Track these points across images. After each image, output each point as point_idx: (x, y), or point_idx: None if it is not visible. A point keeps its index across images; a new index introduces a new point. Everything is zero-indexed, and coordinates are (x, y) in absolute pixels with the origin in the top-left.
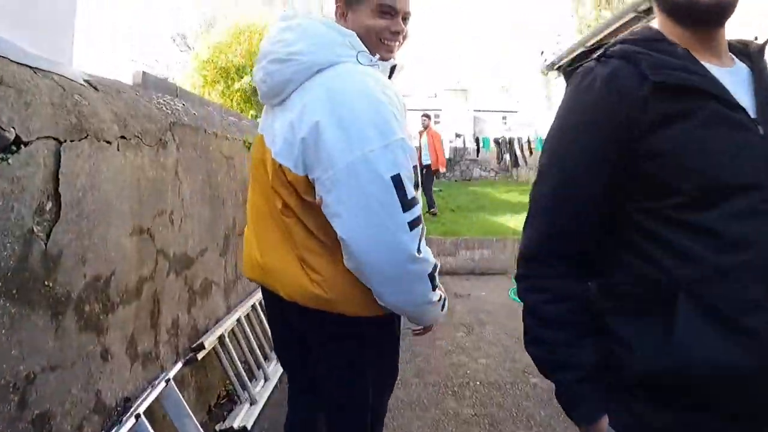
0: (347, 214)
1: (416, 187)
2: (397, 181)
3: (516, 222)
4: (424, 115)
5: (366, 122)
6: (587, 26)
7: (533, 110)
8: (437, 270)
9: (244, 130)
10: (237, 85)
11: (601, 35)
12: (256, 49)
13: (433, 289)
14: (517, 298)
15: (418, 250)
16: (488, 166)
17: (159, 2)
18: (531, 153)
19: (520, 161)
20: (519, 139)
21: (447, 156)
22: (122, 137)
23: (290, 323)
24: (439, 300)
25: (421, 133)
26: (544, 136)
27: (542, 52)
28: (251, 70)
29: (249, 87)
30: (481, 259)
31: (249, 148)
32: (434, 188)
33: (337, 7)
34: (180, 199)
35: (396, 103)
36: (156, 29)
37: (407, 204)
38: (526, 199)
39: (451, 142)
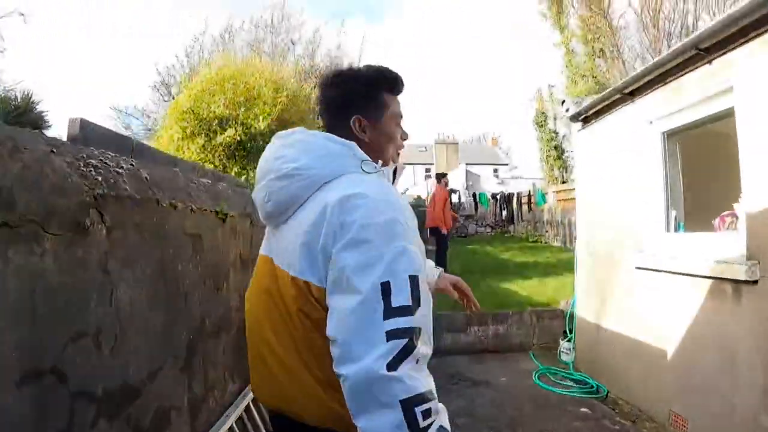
0: (336, 314)
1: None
2: (386, 288)
3: (528, 289)
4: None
5: (370, 229)
6: (581, 76)
7: (525, 162)
8: (426, 402)
9: (220, 195)
10: (219, 138)
11: (647, 78)
12: (242, 99)
13: (414, 428)
14: (545, 385)
15: (392, 366)
16: (484, 221)
17: (143, 47)
18: (530, 209)
19: (516, 218)
20: (518, 195)
21: None
22: (3, 225)
23: None
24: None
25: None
26: (544, 190)
27: (563, 102)
28: (235, 121)
29: (232, 140)
30: (495, 335)
31: (225, 220)
32: (430, 247)
33: (356, 119)
34: (113, 308)
35: (400, 207)
36: (140, 76)
37: (391, 312)
38: (529, 259)
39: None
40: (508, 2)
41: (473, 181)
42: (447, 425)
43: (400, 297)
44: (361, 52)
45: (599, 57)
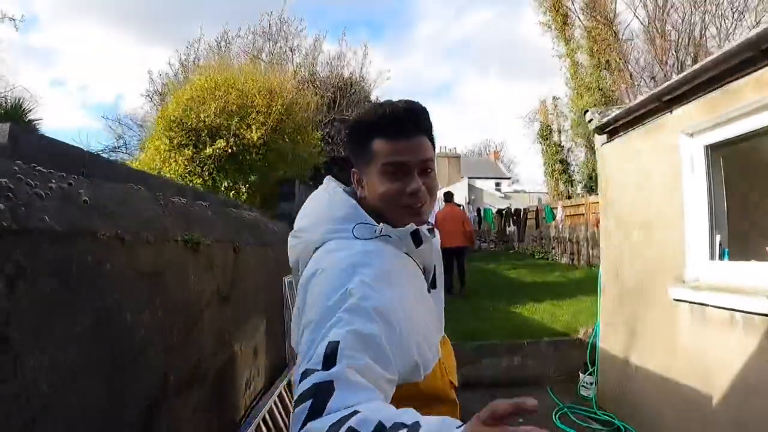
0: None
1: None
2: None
3: (541, 313)
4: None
5: (316, 305)
6: (587, 88)
7: (527, 175)
8: None
9: (193, 219)
10: (209, 150)
11: (689, 85)
12: (234, 107)
13: None
14: (568, 428)
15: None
16: (487, 237)
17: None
18: (538, 225)
19: (520, 234)
20: (525, 210)
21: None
22: None
23: None
24: None
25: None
26: (552, 205)
27: (586, 111)
28: (227, 131)
29: (223, 152)
30: (508, 367)
31: (197, 250)
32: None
33: (353, 173)
34: (17, 384)
35: (366, 289)
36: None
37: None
38: (538, 278)
39: None
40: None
41: (476, 195)
42: None
43: (312, 361)
44: (363, 63)
45: (605, 69)
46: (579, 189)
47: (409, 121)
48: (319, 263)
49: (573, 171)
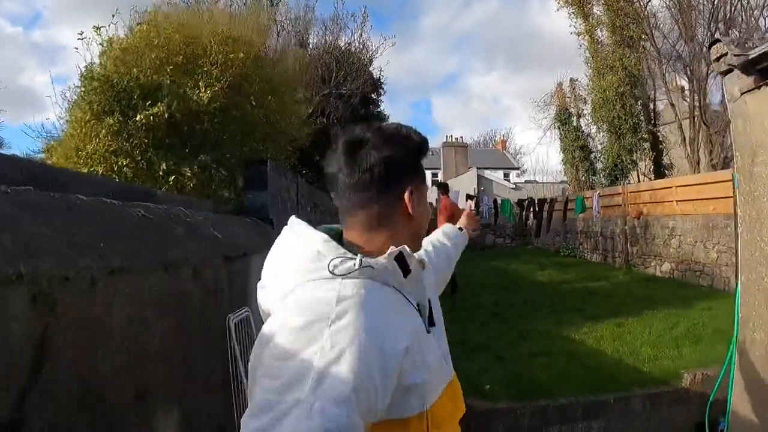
0: None
1: None
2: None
3: (609, 340)
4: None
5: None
6: (609, 67)
7: (537, 165)
8: None
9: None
10: (140, 117)
11: None
12: (180, 59)
13: None
14: None
15: None
16: (503, 231)
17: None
18: (565, 218)
19: (544, 228)
20: (551, 200)
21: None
22: None
23: None
24: None
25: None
26: (585, 196)
27: (714, 42)
28: (169, 92)
29: (161, 119)
30: None
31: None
32: None
33: (407, 187)
34: None
35: (343, 338)
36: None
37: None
38: (577, 282)
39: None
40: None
41: (485, 186)
42: None
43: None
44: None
45: (628, 46)
46: (602, 178)
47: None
48: (287, 313)
49: (595, 158)
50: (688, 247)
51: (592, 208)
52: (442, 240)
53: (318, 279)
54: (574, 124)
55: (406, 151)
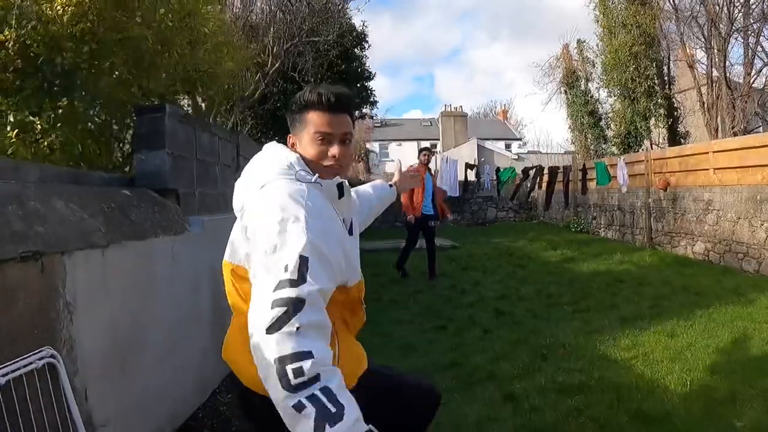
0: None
1: None
2: (279, 264)
3: (683, 365)
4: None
5: (265, 230)
6: (622, 25)
7: (538, 137)
8: (299, 361)
9: None
10: None
11: None
12: None
13: (287, 387)
14: None
15: (270, 329)
16: (505, 204)
17: None
18: (585, 190)
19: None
20: (565, 169)
21: (457, 193)
22: None
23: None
24: (302, 411)
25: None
26: (607, 162)
27: None
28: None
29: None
30: None
31: None
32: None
33: (288, 137)
34: None
35: (315, 216)
36: None
37: (277, 284)
38: (599, 265)
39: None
40: None
41: (486, 156)
42: (334, 385)
43: (287, 273)
44: None
45: (641, 3)
46: (612, 147)
47: (337, 101)
48: (270, 192)
49: (605, 125)
50: (728, 225)
51: (616, 177)
52: (368, 189)
53: (289, 179)
54: (583, 87)
55: (292, 110)
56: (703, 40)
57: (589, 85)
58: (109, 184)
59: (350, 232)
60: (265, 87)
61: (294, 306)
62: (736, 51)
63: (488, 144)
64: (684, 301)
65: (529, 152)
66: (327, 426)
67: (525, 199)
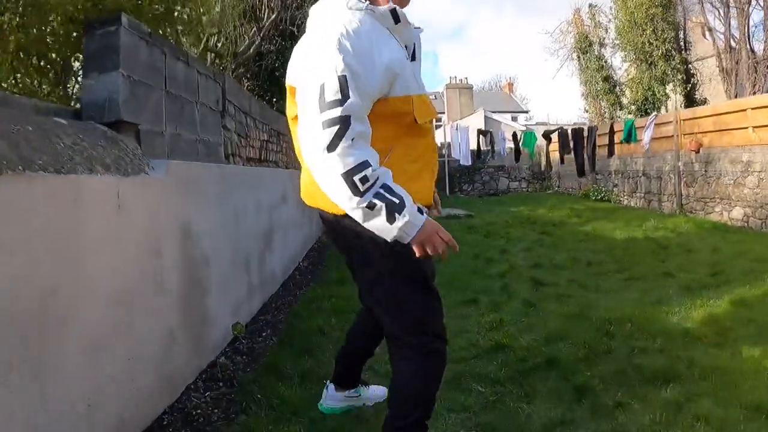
0: (299, 107)
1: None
2: (322, 89)
3: None
4: None
5: (315, 49)
6: None
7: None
8: (362, 170)
9: None
10: None
11: None
12: None
13: (357, 194)
14: None
15: (330, 148)
16: (518, 174)
17: None
18: (611, 153)
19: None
20: (591, 130)
21: (470, 162)
22: None
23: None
24: (374, 208)
25: None
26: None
27: None
28: None
29: None
30: None
31: None
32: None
33: None
34: None
35: (353, 39)
36: None
37: (324, 106)
38: (636, 232)
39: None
40: None
41: (493, 127)
42: (390, 182)
43: (330, 94)
44: None
45: None
46: (628, 114)
47: None
48: (321, 22)
49: (620, 91)
50: None
51: (641, 140)
52: None
53: (341, 9)
54: (596, 52)
55: None
56: (722, 3)
57: (603, 50)
58: (44, 115)
59: (413, 58)
60: (260, 42)
61: (343, 123)
62: (756, 15)
63: (495, 116)
64: (744, 268)
65: (537, 123)
66: (396, 214)
67: (543, 167)
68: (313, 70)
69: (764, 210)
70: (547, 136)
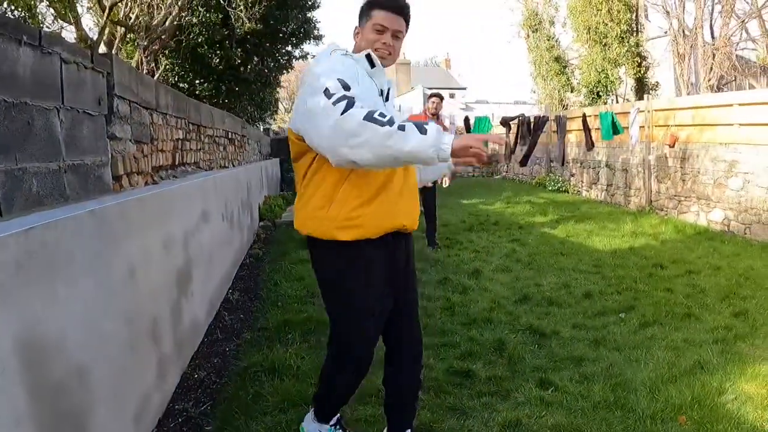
0: (308, 128)
1: None
2: (327, 90)
3: None
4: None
5: (311, 77)
6: None
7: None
8: (377, 112)
9: None
10: None
11: None
12: None
13: (384, 124)
14: None
15: (343, 113)
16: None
17: None
18: (591, 145)
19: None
20: (560, 118)
21: None
22: None
23: None
24: (405, 130)
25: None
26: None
27: None
28: None
29: None
30: None
31: None
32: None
33: (355, 27)
34: None
35: (341, 65)
36: None
37: (331, 96)
38: (603, 236)
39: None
40: None
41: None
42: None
43: (333, 90)
44: None
45: None
46: (580, 97)
47: (398, 4)
48: (312, 68)
49: (571, 72)
50: (759, 191)
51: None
52: None
53: (327, 53)
54: (547, 31)
55: (363, 8)
56: None
57: (553, 29)
58: None
59: (386, 99)
60: (179, 14)
61: (350, 100)
62: None
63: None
64: (765, 303)
65: (477, 101)
66: (425, 127)
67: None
68: (313, 85)
69: (749, 215)
70: (506, 123)
